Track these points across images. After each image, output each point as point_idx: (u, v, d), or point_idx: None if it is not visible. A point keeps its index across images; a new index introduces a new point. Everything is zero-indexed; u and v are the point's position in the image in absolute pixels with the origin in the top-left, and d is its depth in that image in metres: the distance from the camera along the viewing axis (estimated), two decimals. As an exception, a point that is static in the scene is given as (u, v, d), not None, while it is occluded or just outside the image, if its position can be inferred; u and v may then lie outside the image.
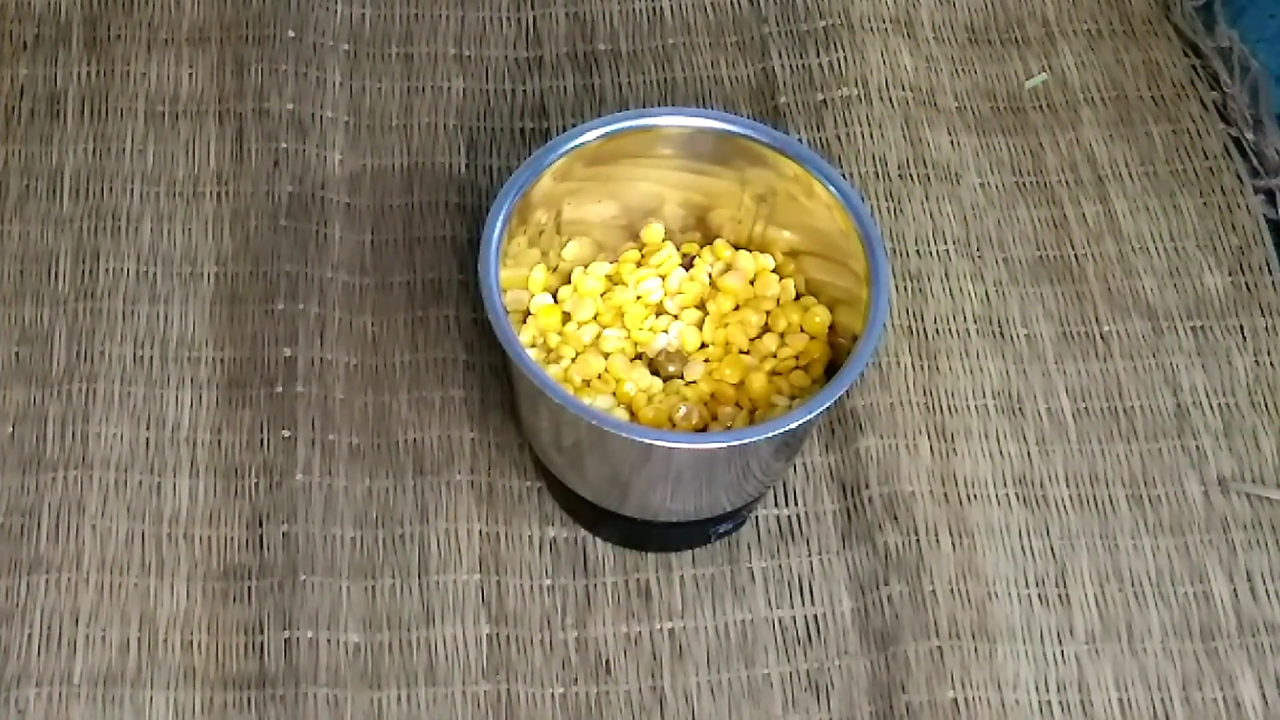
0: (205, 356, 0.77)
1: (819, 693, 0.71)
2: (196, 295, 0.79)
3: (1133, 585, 0.74)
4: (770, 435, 0.67)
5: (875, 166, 0.84)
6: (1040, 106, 0.87)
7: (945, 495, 0.76)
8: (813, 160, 0.72)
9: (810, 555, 0.74)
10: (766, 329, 0.73)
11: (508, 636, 0.72)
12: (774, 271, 0.75)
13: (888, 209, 0.83)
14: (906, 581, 0.73)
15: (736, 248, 0.75)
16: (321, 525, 0.74)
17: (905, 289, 0.81)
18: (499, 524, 0.74)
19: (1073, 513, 0.76)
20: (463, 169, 0.84)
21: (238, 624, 0.71)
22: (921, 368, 0.79)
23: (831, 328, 0.73)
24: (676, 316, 0.74)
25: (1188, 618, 0.73)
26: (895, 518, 0.75)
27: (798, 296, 0.75)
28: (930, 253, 0.82)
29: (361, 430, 0.76)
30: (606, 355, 0.72)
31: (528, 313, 0.73)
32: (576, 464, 0.70)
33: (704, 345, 0.73)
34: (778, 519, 0.75)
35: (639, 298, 0.74)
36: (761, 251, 0.75)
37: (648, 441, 0.66)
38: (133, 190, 0.82)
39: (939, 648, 0.72)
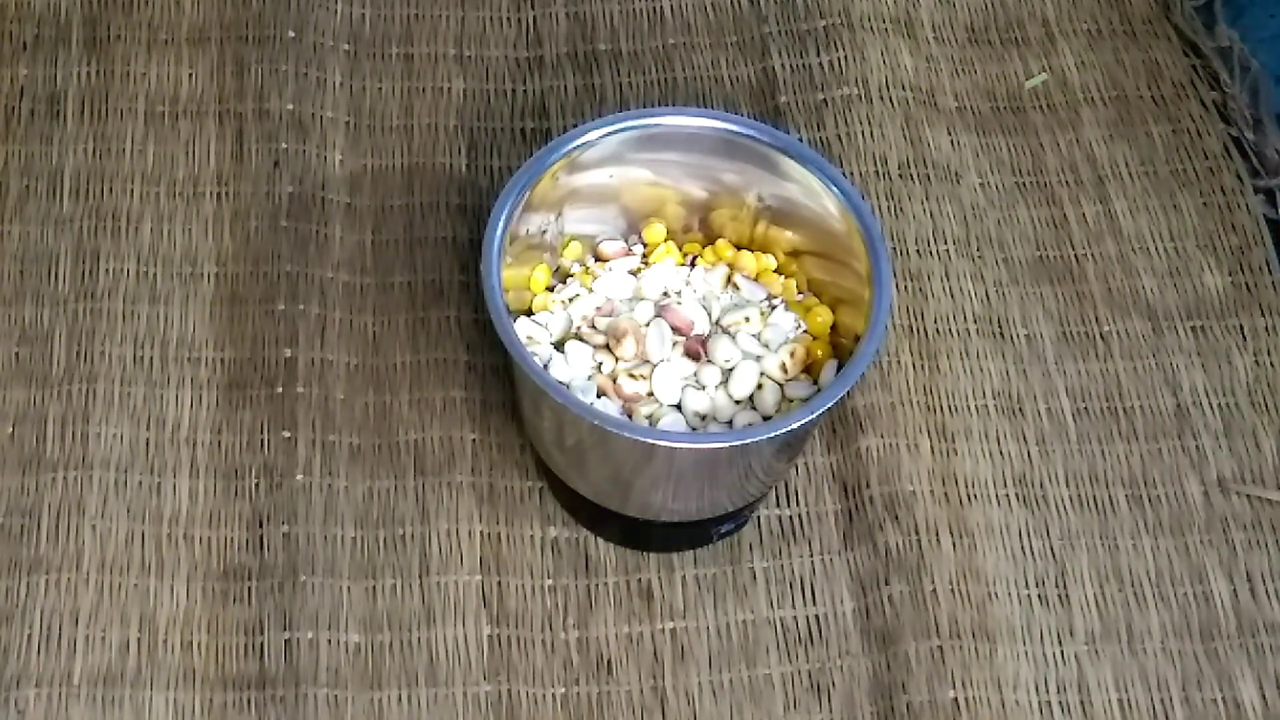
0: (205, 357, 0.77)
1: (820, 693, 0.71)
2: (197, 296, 0.79)
3: (1132, 586, 0.74)
4: (772, 435, 0.67)
5: (875, 166, 0.84)
6: (1040, 106, 0.87)
7: (946, 495, 0.76)
8: (814, 160, 0.72)
9: (812, 555, 0.74)
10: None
11: (509, 637, 0.72)
12: (776, 271, 0.75)
13: (888, 209, 0.83)
14: (907, 581, 0.73)
15: (738, 248, 0.75)
16: (322, 526, 0.74)
17: (906, 289, 0.81)
18: (500, 524, 0.74)
19: (1073, 513, 0.76)
20: (463, 169, 0.84)
21: (238, 624, 0.71)
22: (922, 367, 0.79)
23: (833, 328, 0.73)
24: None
25: (1187, 618, 0.73)
26: (896, 518, 0.75)
27: (800, 296, 0.75)
28: (930, 252, 0.82)
29: (362, 431, 0.76)
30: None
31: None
32: (578, 464, 0.70)
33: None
34: (779, 519, 0.75)
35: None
36: (763, 251, 0.75)
37: (650, 441, 0.66)
38: (133, 190, 0.82)
39: (939, 648, 0.72)
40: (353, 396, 0.77)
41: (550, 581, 0.73)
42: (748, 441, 0.67)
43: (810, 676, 0.72)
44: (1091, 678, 0.72)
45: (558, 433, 0.70)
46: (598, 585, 0.73)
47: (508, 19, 0.89)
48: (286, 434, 0.76)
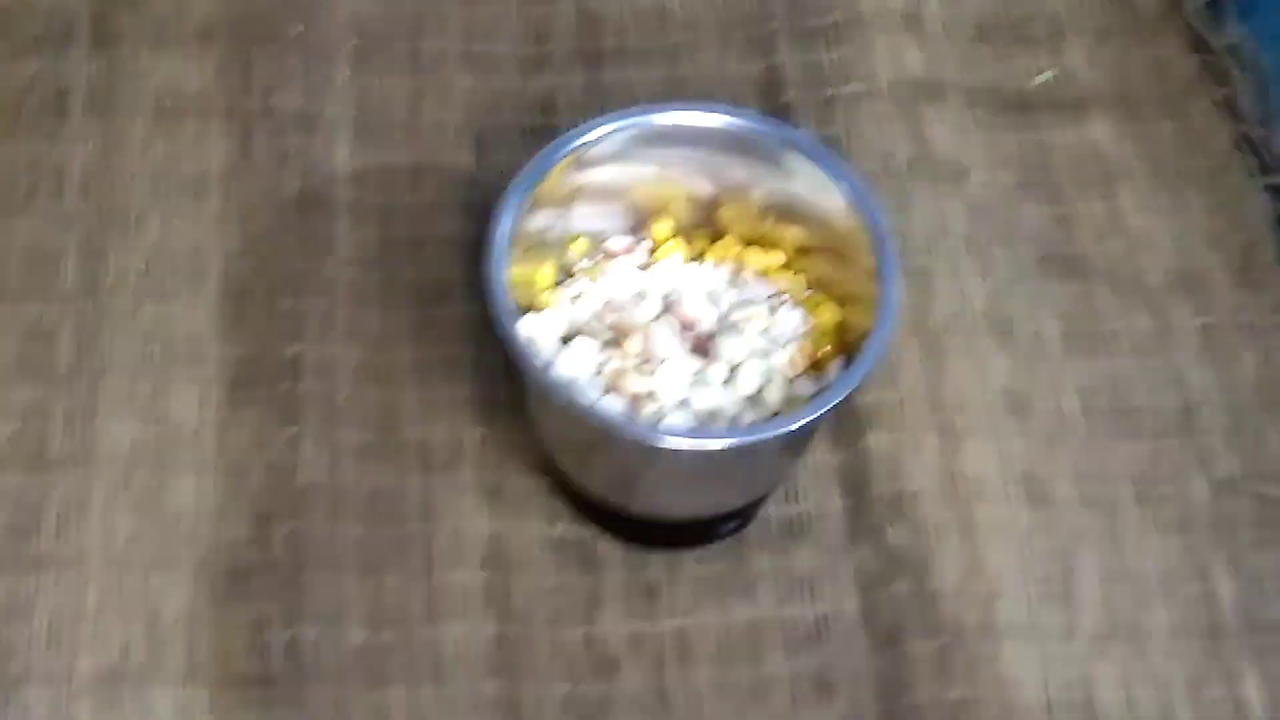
0: (211, 354, 0.77)
1: (825, 691, 0.71)
2: (203, 292, 0.79)
3: (1139, 584, 0.74)
4: (778, 433, 0.67)
5: (882, 162, 0.84)
6: (1048, 103, 0.87)
7: (952, 493, 0.75)
8: (822, 156, 0.72)
9: (817, 553, 0.74)
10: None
11: (514, 634, 0.72)
12: (783, 268, 0.75)
13: (895, 205, 0.83)
14: (913, 579, 0.73)
15: (746, 244, 0.75)
16: (327, 523, 0.74)
17: (912, 285, 0.81)
18: (506, 522, 0.74)
19: (1079, 511, 0.75)
20: (470, 166, 0.83)
21: (242, 622, 0.71)
22: (928, 365, 0.79)
23: (840, 324, 0.73)
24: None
25: (1194, 617, 0.73)
26: (902, 515, 0.75)
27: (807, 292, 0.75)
28: (937, 249, 0.82)
29: (368, 428, 0.76)
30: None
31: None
32: (584, 462, 0.70)
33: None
34: (784, 517, 0.75)
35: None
36: (771, 248, 0.75)
37: (655, 439, 0.66)
38: (139, 187, 0.82)
39: (945, 645, 0.72)
40: (359, 393, 0.77)
41: (555, 579, 0.73)
42: (754, 439, 0.67)
43: (815, 675, 0.71)
44: (1097, 676, 0.72)
45: (563, 431, 0.70)
46: (603, 583, 0.73)
47: (515, 15, 0.88)
48: (292, 430, 0.76)
